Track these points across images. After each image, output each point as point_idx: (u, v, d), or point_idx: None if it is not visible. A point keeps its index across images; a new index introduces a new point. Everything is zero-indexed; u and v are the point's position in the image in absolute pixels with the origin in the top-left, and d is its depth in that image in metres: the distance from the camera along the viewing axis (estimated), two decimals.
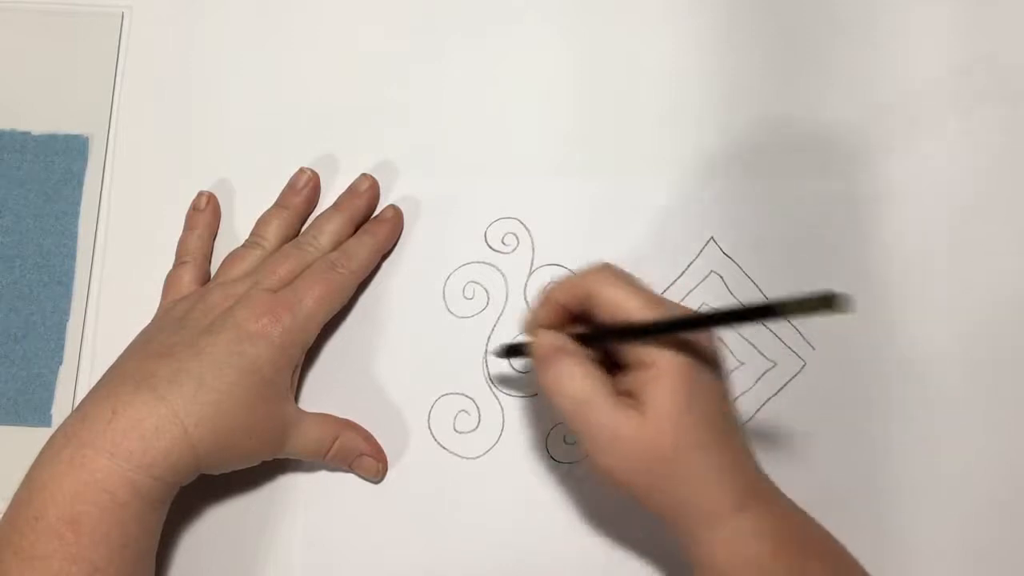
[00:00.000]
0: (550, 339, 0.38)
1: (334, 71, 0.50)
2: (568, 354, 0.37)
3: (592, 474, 0.37)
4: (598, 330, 0.38)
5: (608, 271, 0.38)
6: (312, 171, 0.47)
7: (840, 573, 0.37)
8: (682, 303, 0.46)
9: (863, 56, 0.49)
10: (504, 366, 0.46)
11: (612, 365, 0.38)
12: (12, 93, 0.49)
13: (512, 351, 0.44)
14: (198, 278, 0.45)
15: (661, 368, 0.36)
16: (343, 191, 0.47)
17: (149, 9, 0.50)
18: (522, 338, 0.42)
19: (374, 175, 0.47)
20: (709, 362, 0.37)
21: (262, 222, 0.46)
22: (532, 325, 0.40)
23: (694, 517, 0.36)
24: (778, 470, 0.42)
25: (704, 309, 0.36)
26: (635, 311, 0.36)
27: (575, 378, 0.37)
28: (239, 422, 0.39)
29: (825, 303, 0.30)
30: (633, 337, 0.37)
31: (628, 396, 0.36)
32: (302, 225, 0.47)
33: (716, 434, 0.36)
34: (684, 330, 0.36)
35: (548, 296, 0.39)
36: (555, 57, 0.50)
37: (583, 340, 0.38)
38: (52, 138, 0.48)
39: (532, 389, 0.45)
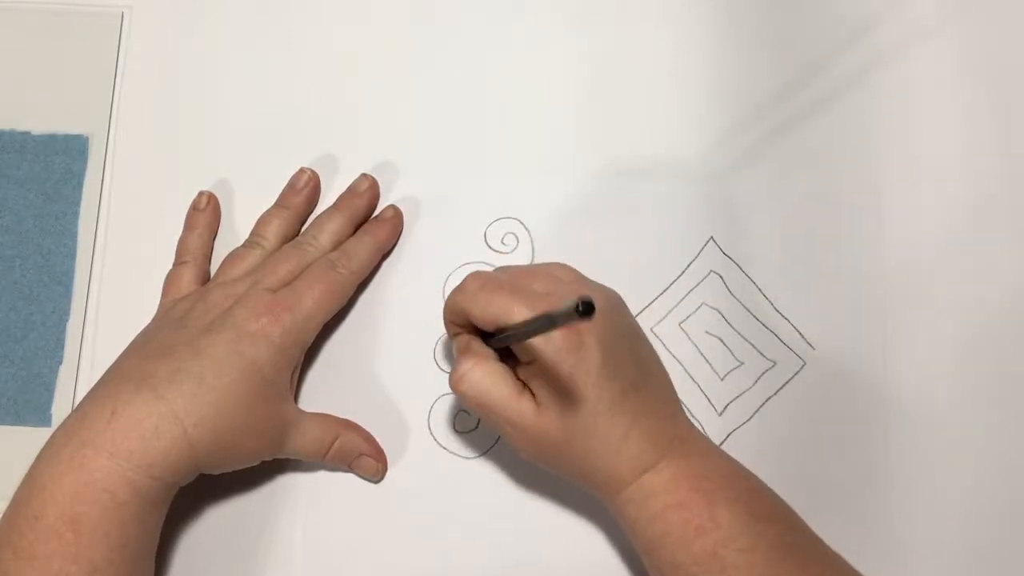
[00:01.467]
0: (462, 342, 0.41)
1: (334, 71, 0.50)
2: (472, 353, 0.39)
3: None
4: (485, 336, 0.40)
5: (470, 283, 0.39)
6: (312, 171, 0.47)
7: (753, 513, 0.37)
8: (685, 299, 0.46)
9: (864, 56, 0.49)
10: None
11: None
12: (12, 93, 0.49)
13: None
14: (198, 278, 0.45)
15: (539, 363, 0.38)
16: (343, 191, 0.47)
17: (149, 9, 0.50)
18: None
19: (374, 175, 0.47)
20: (584, 332, 0.37)
21: (262, 222, 0.46)
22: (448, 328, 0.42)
23: (600, 486, 0.39)
24: (778, 470, 0.42)
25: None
26: (501, 316, 0.38)
27: (476, 375, 0.39)
28: (239, 422, 0.39)
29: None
30: (500, 342, 0.39)
31: (524, 388, 0.39)
32: (302, 225, 0.47)
33: (610, 404, 0.38)
34: (514, 341, 0.38)
35: (446, 323, 0.41)
36: (555, 57, 0.50)
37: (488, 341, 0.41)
38: (52, 138, 0.48)
39: None
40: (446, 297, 0.41)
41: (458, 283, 0.40)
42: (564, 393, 0.37)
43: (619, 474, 0.38)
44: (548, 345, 0.37)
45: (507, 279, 0.39)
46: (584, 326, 0.37)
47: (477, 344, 0.40)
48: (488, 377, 0.39)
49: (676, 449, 0.38)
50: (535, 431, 0.38)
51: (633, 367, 0.39)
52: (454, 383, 0.39)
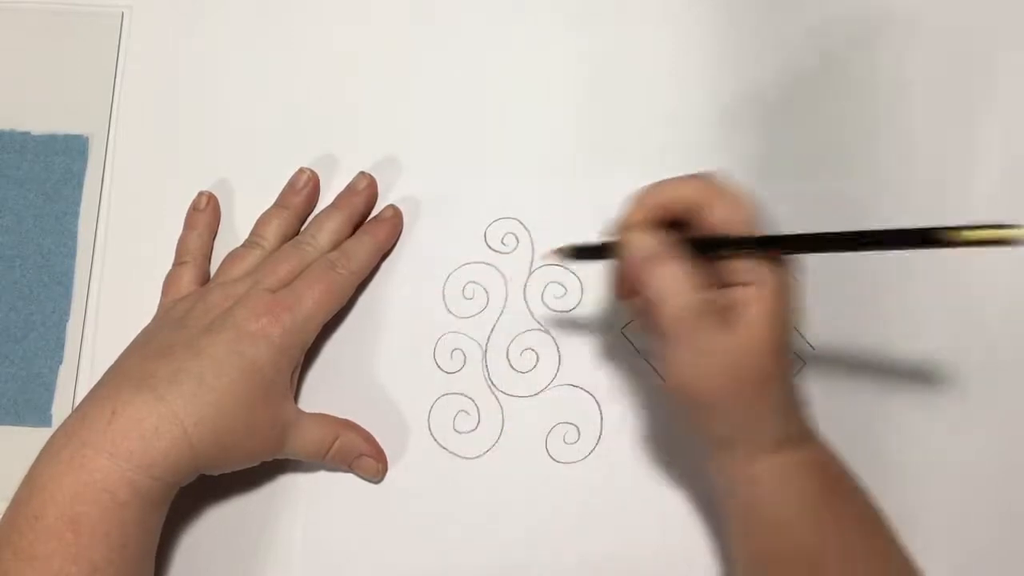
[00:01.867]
0: (655, 240, 0.37)
1: (334, 71, 0.50)
2: (675, 258, 0.37)
3: (667, 386, 0.37)
4: (709, 238, 0.37)
5: (713, 180, 0.38)
6: (312, 171, 0.47)
7: (869, 521, 0.38)
8: None
9: (864, 56, 0.49)
10: (504, 368, 0.46)
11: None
12: (12, 93, 0.49)
13: (587, 252, 0.42)
14: (198, 278, 0.45)
15: (762, 290, 0.36)
16: (341, 190, 0.47)
17: (149, 9, 0.50)
18: (599, 240, 0.40)
19: (374, 175, 0.47)
20: (796, 298, 0.37)
21: (262, 222, 0.46)
22: (626, 225, 0.38)
23: (755, 441, 0.37)
24: None
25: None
26: (741, 224, 0.36)
27: (684, 283, 0.36)
28: (239, 422, 0.39)
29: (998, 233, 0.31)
30: (747, 248, 0.36)
31: (721, 312, 0.36)
32: (302, 225, 0.47)
33: (790, 365, 0.37)
34: (802, 250, 0.36)
35: (646, 197, 0.38)
36: (555, 57, 0.50)
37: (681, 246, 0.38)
38: (52, 138, 0.48)
39: (532, 389, 0.45)
40: (650, 185, 0.38)
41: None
42: (781, 329, 0.36)
43: (780, 436, 0.37)
44: (785, 274, 0.36)
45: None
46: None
47: (670, 241, 0.37)
48: (695, 288, 0.36)
49: (815, 435, 0.38)
50: (729, 361, 0.35)
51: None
52: (658, 283, 0.36)
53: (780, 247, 0.36)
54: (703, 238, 0.37)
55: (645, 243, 0.37)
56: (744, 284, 0.36)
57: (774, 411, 0.37)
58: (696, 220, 0.37)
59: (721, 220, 0.37)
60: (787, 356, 0.37)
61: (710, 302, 0.36)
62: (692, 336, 0.36)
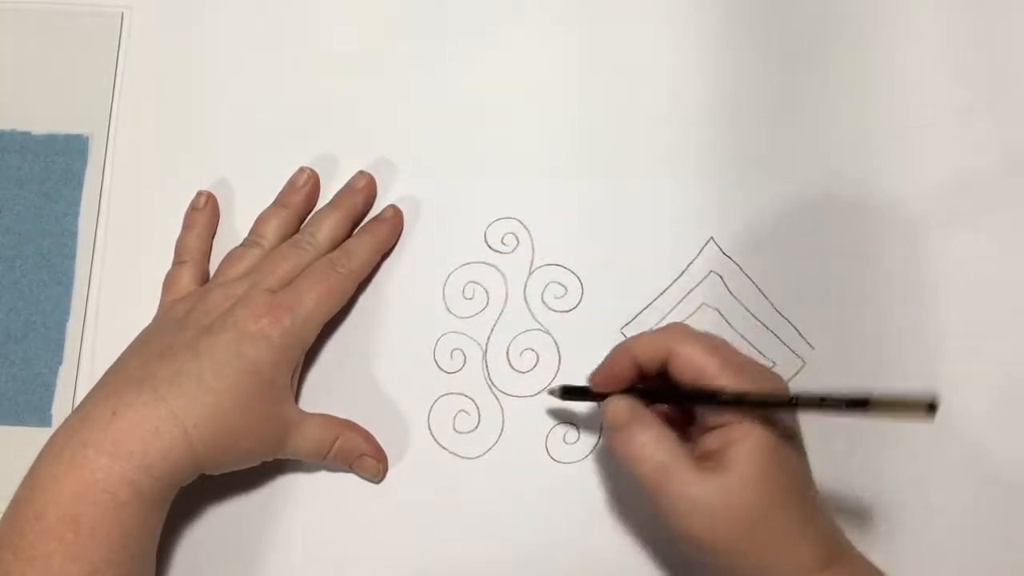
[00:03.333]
0: (624, 404, 0.38)
1: (334, 71, 0.50)
2: (643, 421, 0.38)
3: (666, 528, 0.37)
4: (679, 391, 0.38)
5: (686, 330, 0.39)
6: (312, 170, 0.47)
7: None
8: (685, 299, 0.46)
9: (863, 56, 0.49)
10: (504, 368, 0.46)
11: (682, 419, 0.39)
12: (12, 93, 0.49)
13: (572, 393, 0.43)
14: (197, 278, 0.45)
15: (745, 430, 0.36)
16: (340, 188, 0.47)
17: (149, 9, 0.50)
18: (582, 383, 0.42)
19: (373, 174, 0.47)
20: (788, 431, 0.37)
21: (261, 221, 0.46)
22: (602, 378, 0.40)
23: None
24: None
25: (792, 391, 0.37)
26: (715, 374, 0.37)
27: (651, 446, 0.37)
28: (239, 422, 0.39)
29: (921, 406, 0.32)
30: (717, 404, 0.37)
31: (705, 456, 0.37)
32: (300, 224, 0.47)
33: (797, 496, 0.37)
34: (767, 409, 0.37)
35: (624, 350, 0.39)
36: (555, 57, 0.50)
37: (655, 396, 0.39)
38: (52, 138, 0.48)
39: (532, 389, 0.45)
40: (630, 338, 0.40)
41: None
42: (771, 465, 0.36)
43: (800, 570, 0.36)
44: (782, 419, 0.36)
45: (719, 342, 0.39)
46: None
47: (645, 410, 0.38)
48: (666, 445, 0.37)
49: (845, 556, 0.37)
50: (723, 508, 0.35)
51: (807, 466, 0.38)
52: (626, 449, 0.37)
53: (746, 405, 0.37)
54: (671, 390, 0.39)
55: (616, 414, 0.38)
56: (722, 426, 0.37)
57: (791, 544, 0.36)
58: (670, 369, 0.38)
59: (692, 367, 0.37)
60: (787, 488, 0.36)
61: (684, 455, 0.37)
62: (672, 491, 0.36)
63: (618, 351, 0.40)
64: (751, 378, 0.37)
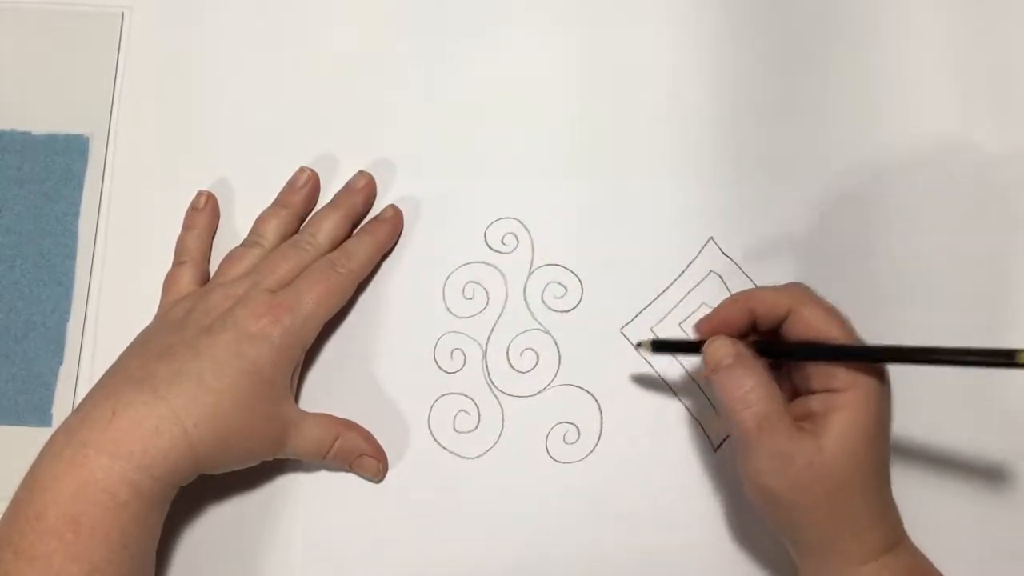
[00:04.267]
0: (730, 344, 0.38)
1: (334, 71, 0.50)
2: (751, 366, 0.37)
3: (747, 489, 0.38)
4: (798, 345, 0.38)
5: (809, 291, 0.39)
6: (312, 170, 0.47)
7: None
8: (685, 299, 0.46)
9: (863, 56, 0.49)
10: (504, 368, 0.46)
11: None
12: (12, 93, 0.49)
13: (665, 346, 0.42)
14: (197, 278, 0.45)
15: (851, 398, 0.36)
16: (340, 188, 0.47)
17: (149, 9, 0.50)
18: (682, 336, 0.41)
19: (373, 174, 0.47)
20: (886, 413, 0.37)
21: (261, 221, 0.46)
22: (712, 325, 0.40)
23: (845, 552, 0.36)
24: None
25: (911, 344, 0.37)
26: (836, 334, 0.37)
27: (756, 392, 0.37)
28: (239, 423, 0.39)
29: None
30: (836, 358, 0.37)
31: (802, 418, 0.37)
32: (300, 224, 0.47)
33: (881, 477, 0.37)
34: (893, 361, 0.37)
35: (742, 299, 0.39)
36: (555, 57, 0.50)
37: (767, 350, 0.39)
38: (52, 138, 0.48)
39: (532, 389, 0.45)
40: (748, 289, 0.39)
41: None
42: (869, 438, 0.36)
43: (871, 545, 0.36)
44: (877, 383, 0.36)
45: None
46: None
47: (747, 351, 0.38)
48: (772, 396, 0.36)
49: (906, 539, 0.38)
50: (814, 471, 0.35)
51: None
52: (734, 391, 0.37)
53: (867, 359, 0.37)
54: (789, 344, 0.38)
55: (722, 351, 0.38)
56: (829, 391, 0.37)
57: (866, 521, 0.36)
58: (786, 327, 0.38)
59: (812, 329, 0.37)
60: (875, 465, 0.36)
61: (785, 412, 0.36)
62: (767, 443, 0.36)
63: (734, 300, 0.39)
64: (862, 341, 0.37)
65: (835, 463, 0.36)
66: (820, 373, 0.37)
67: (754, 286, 0.46)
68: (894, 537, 0.37)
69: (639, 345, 0.44)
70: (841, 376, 0.37)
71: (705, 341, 0.39)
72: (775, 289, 0.39)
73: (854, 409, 0.36)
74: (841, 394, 0.36)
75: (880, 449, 0.37)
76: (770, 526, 0.39)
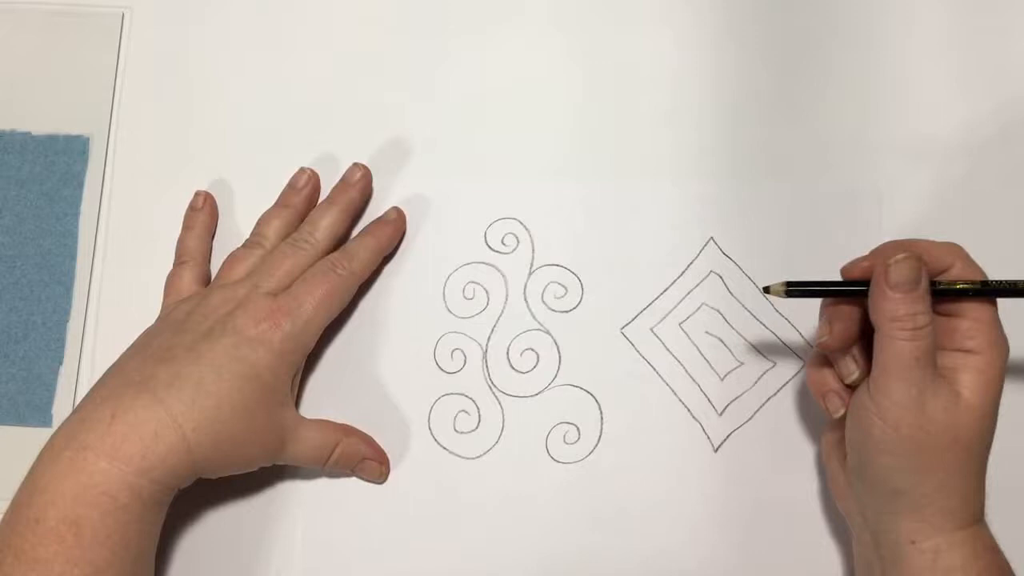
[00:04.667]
0: (919, 266, 0.37)
1: (334, 71, 0.50)
2: (929, 301, 0.37)
3: (867, 426, 0.37)
4: (971, 285, 0.38)
5: (967, 253, 0.39)
6: (312, 170, 0.47)
7: None
8: (685, 299, 0.46)
9: (863, 56, 0.49)
10: (504, 368, 0.46)
11: None
12: (12, 93, 0.49)
13: (799, 290, 0.40)
14: (198, 278, 0.45)
15: (986, 361, 0.37)
16: (336, 183, 0.47)
17: (149, 9, 0.50)
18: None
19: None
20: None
21: (263, 221, 0.46)
22: (863, 270, 0.39)
23: (951, 511, 0.37)
24: (777, 471, 0.42)
25: None
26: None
27: (929, 328, 0.36)
28: (238, 427, 0.39)
29: None
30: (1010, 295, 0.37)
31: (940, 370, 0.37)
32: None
33: (986, 449, 0.37)
34: None
35: (902, 246, 0.38)
36: (555, 57, 0.50)
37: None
38: (52, 138, 0.48)
39: (532, 389, 0.46)
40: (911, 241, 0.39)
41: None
42: (995, 402, 0.37)
43: (971, 510, 0.37)
44: (1004, 347, 0.37)
45: None
46: None
47: (927, 278, 0.37)
48: (934, 336, 0.36)
49: (981, 522, 0.38)
50: (942, 424, 0.36)
51: None
52: (904, 320, 0.36)
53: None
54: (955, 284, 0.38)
55: (914, 273, 0.37)
56: (963, 351, 0.37)
57: (976, 483, 0.37)
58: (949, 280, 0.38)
59: (964, 277, 0.38)
60: (991, 432, 0.37)
61: (936, 355, 0.37)
62: (916, 377, 0.36)
63: (891, 246, 0.39)
64: None
65: (970, 416, 0.36)
66: (957, 331, 0.37)
67: (755, 286, 0.46)
68: (976, 512, 0.37)
69: (765, 290, 0.41)
70: (979, 339, 0.37)
71: (846, 283, 0.39)
72: (936, 242, 0.39)
73: (988, 372, 0.37)
74: (976, 356, 0.37)
75: (994, 425, 0.37)
76: (871, 476, 0.38)
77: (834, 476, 0.41)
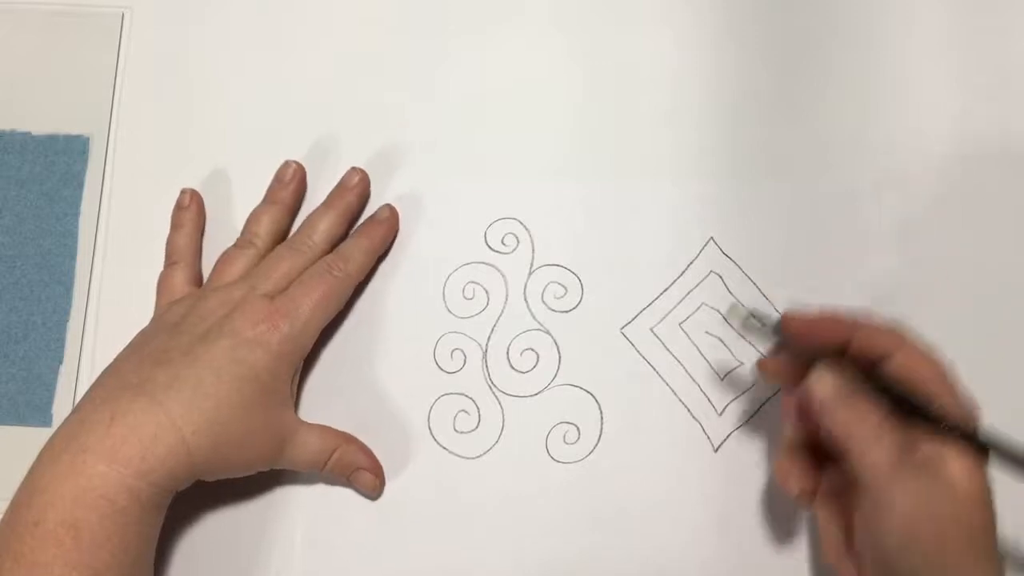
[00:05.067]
0: (850, 381, 0.36)
1: (334, 71, 0.50)
2: (869, 406, 0.36)
3: (882, 538, 0.35)
4: (906, 399, 0.36)
5: (907, 332, 0.38)
6: (297, 163, 0.47)
7: None
8: (685, 299, 0.46)
9: (863, 56, 0.49)
10: (504, 368, 0.46)
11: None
12: (12, 93, 0.49)
13: (760, 323, 0.41)
14: (191, 278, 0.45)
15: (963, 450, 0.35)
16: (334, 186, 0.47)
17: (149, 9, 0.50)
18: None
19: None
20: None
21: (252, 219, 0.46)
22: (809, 328, 0.39)
23: None
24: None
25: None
26: (929, 378, 0.36)
27: (887, 426, 0.35)
28: (236, 430, 0.39)
29: None
30: (935, 426, 0.35)
31: (917, 463, 0.35)
32: (292, 219, 0.47)
33: (993, 529, 0.35)
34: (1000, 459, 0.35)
35: (845, 322, 0.38)
36: (555, 57, 0.50)
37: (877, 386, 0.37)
38: (52, 138, 0.48)
39: (532, 389, 0.46)
40: (854, 314, 0.38)
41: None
42: (987, 482, 0.35)
43: None
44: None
45: None
46: None
47: (864, 392, 0.36)
48: (893, 439, 0.35)
49: None
50: (945, 512, 0.34)
51: None
52: (851, 428, 0.35)
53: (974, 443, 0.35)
54: (902, 394, 0.36)
55: (836, 383, 0.36)
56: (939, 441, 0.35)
57: (986, 568, 0.35)
58: (883, 366, 0.37)
59: (907, 370, 0.36)
60: (992, 516, 0.35)
61: (908, 453, 0.35)
62: (908, 482, 0.34)
63: (832, 320, 0.38)
64: (958, 399, 0.36)
65: (962, 511, 0.34)
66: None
67: (754, 286, 0.46)
68: None
69: (733, 310, 0.42)
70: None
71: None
72: (874, 325, 0.38)
73: (969, 459, 0.34)
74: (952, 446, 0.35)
75: (991, 501, 0.35)
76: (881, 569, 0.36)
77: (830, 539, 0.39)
